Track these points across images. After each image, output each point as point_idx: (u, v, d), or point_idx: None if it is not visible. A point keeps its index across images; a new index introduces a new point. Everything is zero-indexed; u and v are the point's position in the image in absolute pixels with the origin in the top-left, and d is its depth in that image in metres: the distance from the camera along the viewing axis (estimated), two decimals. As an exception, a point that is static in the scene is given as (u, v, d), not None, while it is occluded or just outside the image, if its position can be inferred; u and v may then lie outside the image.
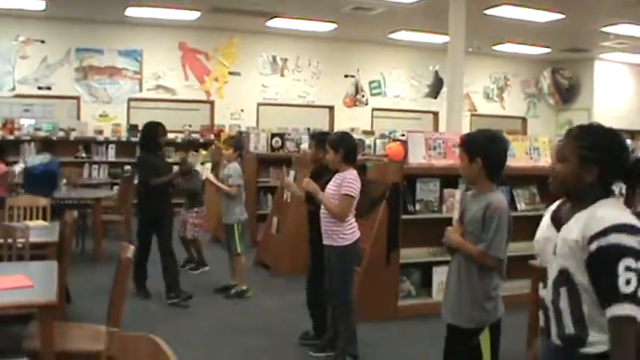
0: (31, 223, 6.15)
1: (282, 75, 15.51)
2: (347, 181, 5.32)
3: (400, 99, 16.91)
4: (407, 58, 16.76)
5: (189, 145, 13.67)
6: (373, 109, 16.61)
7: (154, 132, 7.41)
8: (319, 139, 6.10)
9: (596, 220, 2.51)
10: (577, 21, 12.69)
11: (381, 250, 6.82)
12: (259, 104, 15.33)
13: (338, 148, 5.43)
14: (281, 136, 11.38)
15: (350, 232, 5.40)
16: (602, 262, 2.46)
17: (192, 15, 13.04)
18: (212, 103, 14.92)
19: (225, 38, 14.80)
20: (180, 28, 14.26)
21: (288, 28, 14.25)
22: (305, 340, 6.01)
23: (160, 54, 14.39)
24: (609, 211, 2.54)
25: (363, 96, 16.44)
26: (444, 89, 17.20)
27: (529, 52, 16.70)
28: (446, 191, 7.36)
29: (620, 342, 2.43)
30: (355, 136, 7.38)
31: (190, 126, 13.93)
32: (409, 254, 7.19)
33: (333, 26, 14.02)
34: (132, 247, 4.00)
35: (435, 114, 17.36)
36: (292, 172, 9.35)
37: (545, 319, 2.71)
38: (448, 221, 7.40)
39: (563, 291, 2.60)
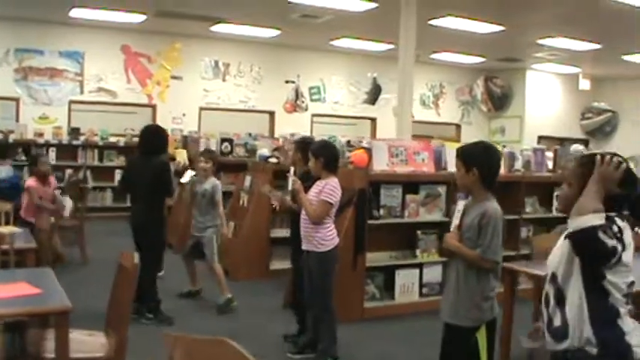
0: (4, 229, 6.06)
1: (224, 80, 15.52)
2: (328, 188, 5.46)
3: (339, 105, 17.12)
4: (346, 64, 16.98)
5: (131, 149, 13.54)
6: (313, 115, 16.76)
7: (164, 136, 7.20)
8: (301, 146, 6.22)
9: None
10: (515, 33, 13.13)
11: (349, 254, 6.97)
12: (201, 109, 15.31)
13: (319, 156, 5.56)
14: (230, 141, 11.44)
15: (330, 238, 5.54)
16: None
17: (138, 18, 12.93)
18: (154, 107, 14.81)
19: (169, 42, 14.74)
20: (124, 31, 14.13)
21: (232, 33, 14.28)
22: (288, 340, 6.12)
23: (102, 56, 14.22)
24: None
25: (303, 102, 16.56)
26: (382, 96, 17.56)
27: (465, 60, 17.14)
28: (408, 197, 7.61)
29: None
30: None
31: (133, 130, 13.79)
32: (373, 258, 7.39)
33: (277, 32, 14.13)
34: (136, 254, 4.03)
35: (373, 120, 17.66)
36: (248, 178, 9.42)
37: None
38: (410, 226, 7.68)
39: None
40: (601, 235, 2.73)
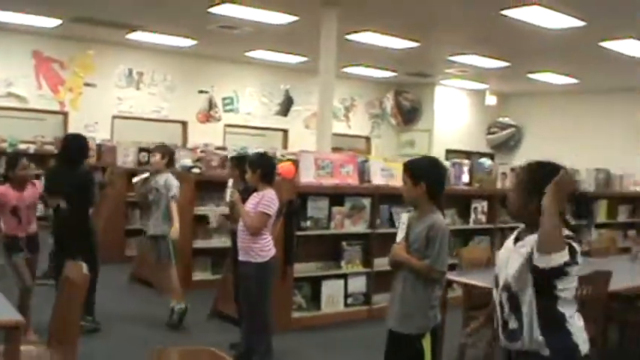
0: None
1: (137, 88, 15.33)
2: (265, 199, 5.55)
3: (252, 116, 17.15)
4: (259, 76, 17.05)
5: (42, 157, 13.21)
6: (226, 126, 16.73)
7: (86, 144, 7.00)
8: (237, 162, 6.35)
9: None
10: (429, 49, 13.50)
11: (277, 265, 7.04)
12: (114, 117, 15.07)
13: (256, 167, 5.65)
14: (148, 150, 11.33)
15: (267, 249, 5.63)
16: None
17: (51, 23, 12.66)
18: (66, 114, 14.49)
19: (82, 48, 14.44)
20: (36, 35, 13.76)
21: (148, 41, 14.14)
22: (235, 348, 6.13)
23: (11, 60, 13.81)
24: None
25: (216, 112, 16.54)
26: (294, 108, 17.72)
27: (375, 74, 17.46)
28: (334, 209, 7.76)
29: None
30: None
31: (43, 137, 13.43)
32: (300, 269, 7.50)
33: (193, 42, 14.08)
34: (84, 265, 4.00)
35: (285, 131, 17.78)
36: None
37: None
38: (336, 238, 7.82)
39: None
40: (568, 268, 2.93)
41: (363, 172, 8.14)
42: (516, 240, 3.26)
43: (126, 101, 15.19)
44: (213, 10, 10.89)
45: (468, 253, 6.70)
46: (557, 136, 18.07)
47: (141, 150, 11.23)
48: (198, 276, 9.03)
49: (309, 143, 16.62)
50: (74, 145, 6.89)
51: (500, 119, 19.80)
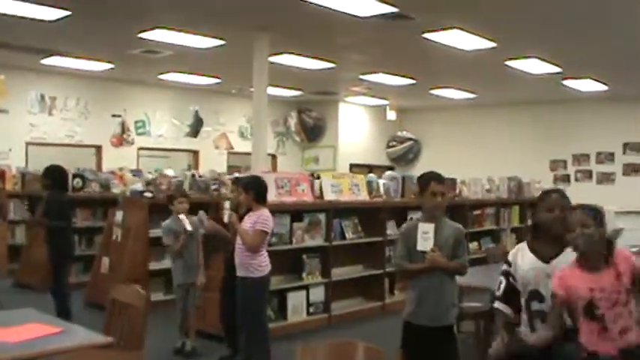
0: None
1: (50, 114, 15.23)
2: (262, 218, 6.00)
3: (163, 138, 17.32)
4: (169, 98, 17.25)
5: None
6: (139, 149, 16.84)
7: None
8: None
9: None
10: (343, 69, 14.12)
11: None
12: (27, 143, 14.93)
13: (249, 189, 6.09)
14: (81, 177, 11.42)
15: (265, 264, 6.09)
16: None
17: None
18: (-22, 141, 14.28)
19: (-6, 74, 14.27)
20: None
21: (62, 66, 14.11)
22: None
23: None
24: None
25: (129, 135, 16.62)
26: (204, 129, 18.01)
27: (282, 93, 17.95)
28: (294, 224, 8.24)
29: None
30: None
31: (-47, 164, 13.20)
32: (268, 283, 7.91)
33: (109, 66, 14.18)
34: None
35: (195, 152, 18.03)
36: (120, 213, 9.55)
37: None
38: (297, 251, 8.30)
39: None
40: None
41: (314, 189, 8.67)
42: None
43: (39, 127, 15.06)
44: (142, 35, 11.11)
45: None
46: (455, 148, 19.22)
47: (75, 176, 11.26)
48: (155, 297, 9.23)
49: (218, 163, 17.08)
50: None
51: (399, 133, 20.75)
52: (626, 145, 17.46)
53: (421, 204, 4.94)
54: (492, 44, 11.12)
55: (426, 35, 10.66)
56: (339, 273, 8.89)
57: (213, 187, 9.86)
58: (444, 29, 10.36)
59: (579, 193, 16.00)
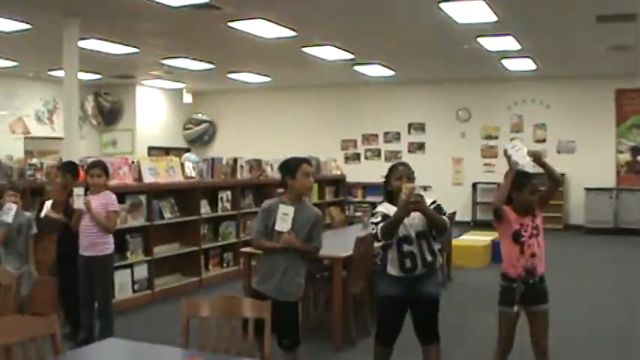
0: None
1: None
2: (112, 200, 6.50)
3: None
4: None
5: None
6: None
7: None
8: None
9: None
10: (146, 53, 14.35)
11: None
12: None
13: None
14: None
15: (111, 242, 6.57)
16: None
17: None
18: None
19: None
20: None
21: None
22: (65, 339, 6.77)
23: None
24: None
25: None
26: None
27: (79, 77, 17.74)
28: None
29: None
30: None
31: None
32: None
33: None
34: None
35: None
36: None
37: None
38: (121, 232, 8.64)
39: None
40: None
41: (133, 172, 9.05)
42: None
43: None
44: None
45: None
46: (250, 130, 20.07)
47: None
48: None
49: (15, 148, 16.71)
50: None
51: (195, 115, 21.23)
52: (410, 125, 19.11)
53: (292, 185, 5.03)
54: (293, 33, 11.92)
55: (231, 24, 11.24)
56: (160, 251, 9.36)
57: (28, 172, 9.80)
58: (249, 19, 10.99)
59: (369, 171, 17.83)
